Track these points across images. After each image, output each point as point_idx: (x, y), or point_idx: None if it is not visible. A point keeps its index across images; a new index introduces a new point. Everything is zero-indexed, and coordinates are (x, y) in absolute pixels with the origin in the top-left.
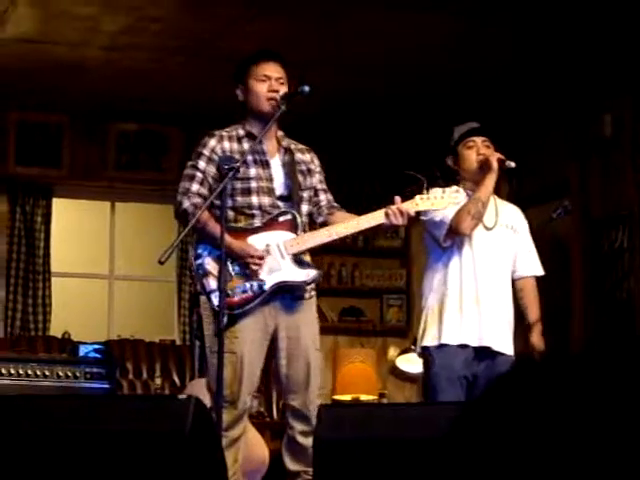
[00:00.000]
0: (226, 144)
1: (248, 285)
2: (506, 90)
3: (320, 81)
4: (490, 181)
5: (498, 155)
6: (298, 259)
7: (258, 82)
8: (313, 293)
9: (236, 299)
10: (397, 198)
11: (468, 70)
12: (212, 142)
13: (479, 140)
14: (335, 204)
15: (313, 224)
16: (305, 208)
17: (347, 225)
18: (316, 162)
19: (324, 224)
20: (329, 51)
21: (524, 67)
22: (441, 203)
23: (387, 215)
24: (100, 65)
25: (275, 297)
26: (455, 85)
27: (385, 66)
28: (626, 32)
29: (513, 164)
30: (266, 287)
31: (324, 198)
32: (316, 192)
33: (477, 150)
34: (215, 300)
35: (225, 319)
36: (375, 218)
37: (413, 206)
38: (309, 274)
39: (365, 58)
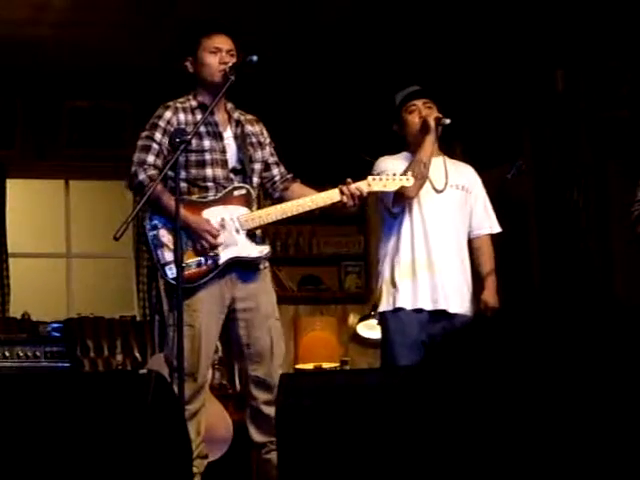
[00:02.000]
0: (181, 116)
1: (203, 259)
2: (456, 50)
3: (271, 49)
4: (429, 141)
5: (435, 114)
6: (252, 234)
7: (209, 54)
8: (267, 264)
9: (191, 272)
10: (349, 180)
11: (415, 32)
12: (168, 114)
13: (420, 103)
14: (289, 176)
15: (269, 198)
16: (256, 180)
17: (301, 203)
18: (265, 133)
19: (280, 200)
20: (282, 19)
21: (473, 25)
22: (392, 185)
23: (342, 193)
24: (50, 43)
25: (230, 270)
26: (403, 48)
27: (334, 35)
28: None
29: (448, 120)
30: (220, 261)
31: (277, 172)
32: (268, 166)
33: (419, 113)
34: (170, 273)
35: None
36: (330, 197)
37: (366, 186)
38: (262, 251)
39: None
